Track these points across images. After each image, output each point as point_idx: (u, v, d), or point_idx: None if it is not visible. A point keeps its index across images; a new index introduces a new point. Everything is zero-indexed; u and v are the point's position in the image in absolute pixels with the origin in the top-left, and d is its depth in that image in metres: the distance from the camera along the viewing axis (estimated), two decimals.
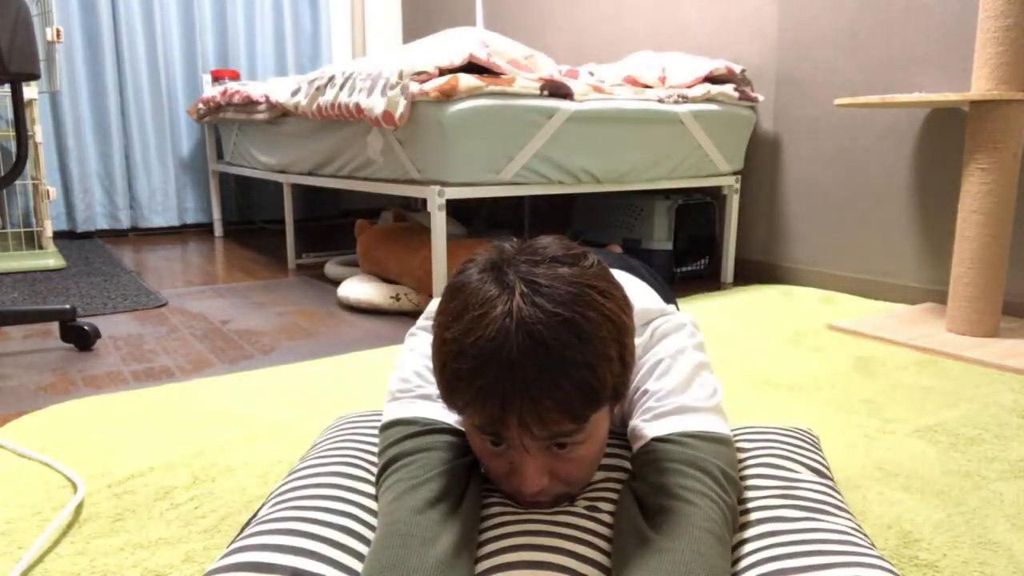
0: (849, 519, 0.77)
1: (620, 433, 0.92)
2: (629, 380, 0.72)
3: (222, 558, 0.67)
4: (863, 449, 1.10)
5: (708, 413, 0.78)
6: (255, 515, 0.79)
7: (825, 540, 0.71)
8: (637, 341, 0.86)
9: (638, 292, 0.95)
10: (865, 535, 0.75)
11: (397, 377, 0.87)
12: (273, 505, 0.77)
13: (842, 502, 0.82)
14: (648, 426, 0.77)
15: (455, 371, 0.66)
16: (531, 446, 0.69)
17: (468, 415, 0.68)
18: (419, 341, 0.92)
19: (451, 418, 0.81)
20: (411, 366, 0.87)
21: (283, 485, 0.82)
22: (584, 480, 0.76)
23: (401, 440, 0.78)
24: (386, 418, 0.83)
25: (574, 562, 0.67)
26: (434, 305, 0.96)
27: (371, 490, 0.80)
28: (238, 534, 0.77)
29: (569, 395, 0.64)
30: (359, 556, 0.70)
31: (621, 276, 1.01)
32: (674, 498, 0.68)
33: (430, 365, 0.87)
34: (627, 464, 0.85)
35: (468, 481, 0.75)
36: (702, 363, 0.84)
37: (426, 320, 0.95)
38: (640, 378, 0.83)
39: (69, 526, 0.88)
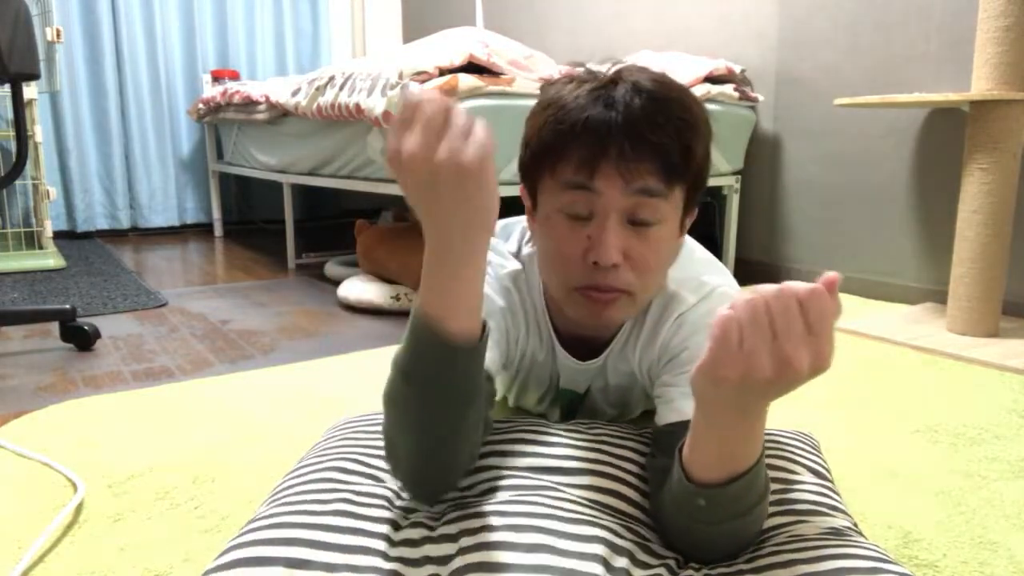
0: (846, 519, 0.77)
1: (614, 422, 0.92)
2: (706, 179, 0.77)
3: (218, 558, 0.67)
4: (863, 449, 1.10)
5: None
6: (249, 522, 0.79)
7: (814, 537, 0.71)
8: (694, 290, 0.86)
9: (698, 249, 0.96)
10: (861, 533, 0.75)
11: None
12: (269, 503, 0.77)
13: (840, 503, 0.82)
14: (690, 403, 0.76)
15: (559, 117, 0.71)
16: (616, 206, 0.72)
17: (563, 166, 0.72)
18: None
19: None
20: None
21: (280, 484, 0.82)
22: (653, 274, 0.77)
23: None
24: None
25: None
26: None
27: (366, 481, 0.80)
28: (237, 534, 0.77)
29: (668, 141, 0.70)
30: (353, 532, 0.70)
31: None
32: None
33: None
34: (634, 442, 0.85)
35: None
36: None
37: None
38: (694, 339, 0.82)
39: (69, 526, 0.88)
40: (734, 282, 0.90)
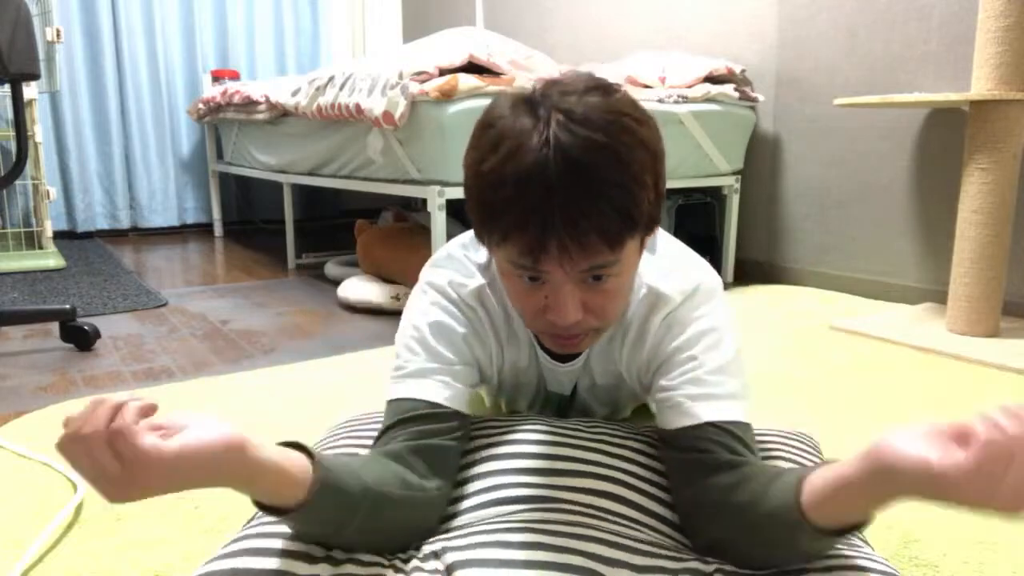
0: None
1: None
2: (661, 210, 0.72)
3: (226, 546, 0.68)
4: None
5: (745, 400, 0.78)
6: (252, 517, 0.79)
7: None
8: (678, 287, 0.83)
9: (674, 243, 0.93)
10: (867, 542, 0.75)
11: (399, 344, 0.85)
12: None
13: None
14: (701, 406, 0.76)
15: (494, 201, 0.67)
16: (567, 278, 0.69)
17: (507, 246, 0.68)
18: (420, 300, 0.87)
19: (442, 395, 0.79)
20: (406, 334, 0.85)
21: None
22: (615, 314, 0.75)
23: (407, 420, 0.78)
24: (391, 396, 0.81)
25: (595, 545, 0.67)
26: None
27: None
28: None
29: (608, 217, 0.65)
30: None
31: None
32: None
33: (424, 326, 0.84)
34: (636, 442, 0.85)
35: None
36: (738, 339, 0.84)
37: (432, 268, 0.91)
38: (687, 339, 0.81)
39: (69, 526, 0.88)
40: (713, 271, 0.88)
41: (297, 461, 0.62)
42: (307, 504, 0.62)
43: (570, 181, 0.64)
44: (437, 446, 0.76)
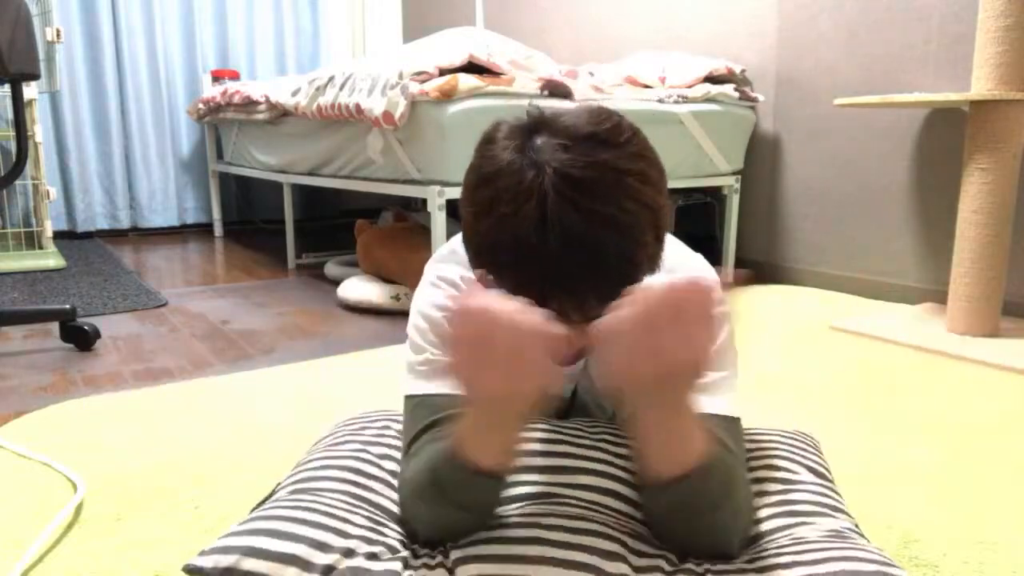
0: (847, 519, 0.77)
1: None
2: (662, 250, 0.69)
3: (243, 523, 0.71)
4: (863, 449, 1.10)
5: (731, 392, 0.78)
6: (261, 503, 0.79)
7: (816, 539, 0.71)
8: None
9: (670, 242, 0.93)
10: (863, 535, 0.75)
11: (410, 341, 0.85)
12: (291, 489, 0.79)
13: (841, 503, 0.82)
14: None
15: (492, 262, 0.66)
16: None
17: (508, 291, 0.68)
18: (433, 294, 0.87)
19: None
20: (417, 327, 0.85)
21: (290, 477, 0.83)
22: None
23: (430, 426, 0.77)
24: (409, 391, 0.81)
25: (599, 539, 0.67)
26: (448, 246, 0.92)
27: (380, 486, 0.81)
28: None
29: (608, 284, 0.64)
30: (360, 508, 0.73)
31: None
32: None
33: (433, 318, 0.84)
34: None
35: None
36: (732, 333, 0.83)
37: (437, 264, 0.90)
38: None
39: (69, 526, 0.88)
40: (709, 267, 0.88)
41: None
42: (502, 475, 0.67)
43: (569, 256, 0.62)
44: None
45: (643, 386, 0.61)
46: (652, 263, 0.68)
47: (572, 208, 0.61)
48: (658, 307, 0.58)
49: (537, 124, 0.66)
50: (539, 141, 0.64)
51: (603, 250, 0.62)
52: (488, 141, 0.67)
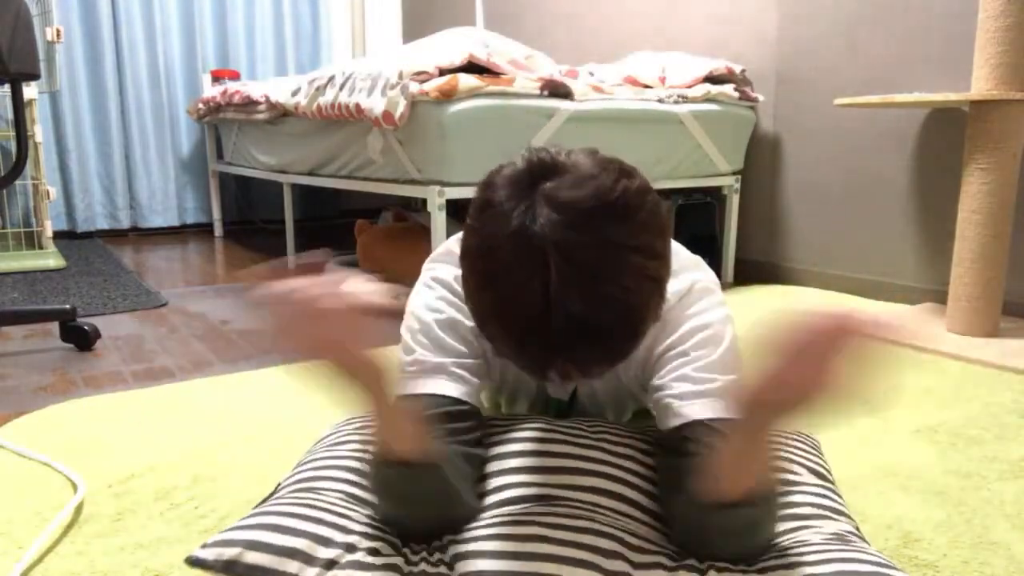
0: (848, 522, 0.77)
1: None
2: (663, 303, 0.68)
3: (246, 518, 0.71)
4: (863, 449, 1.10)
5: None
6: (263, 502, 0.79)
7: (818, 543, 0.71)
8: (672, 288, 0.82)
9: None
10: (864, 538, 0.75)
11: (404, 343, 0.86)
12: (292, 489, 0.80)
13: (842, 505, 0.82)
14: (691, 405, 0.76)
15: (493, 333, 0.66)
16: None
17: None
18: (427, 295, 0.88)
19: (460, 391, 0.81)
20: (412, 331, 0.86)
21: (291, 477, 0.83)
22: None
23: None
24: (398, 392, 0.81)
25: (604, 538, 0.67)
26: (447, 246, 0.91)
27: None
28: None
29: (611, 355, 0.64)
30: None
31: None
32: None
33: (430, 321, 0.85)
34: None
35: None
36: (735, 336, 0.83)
37: (433, 264, 0.90)
38: (679, 337, 0.80)
39: (69, 526, 0.88)
40: (708, 270, 0.88)
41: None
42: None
43: (572, 335, 0.61)
44: (472, 455, 0.77)
45: (779, 409, 0.61)
46: (655, 316, 0.68)
47: (576, 292, 0.60)
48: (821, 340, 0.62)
49: (537, 180, 0.63)
50: (542, 212, 0.61)
51: (607, 330, 0.62)
52: (486, 205, 0.64)
